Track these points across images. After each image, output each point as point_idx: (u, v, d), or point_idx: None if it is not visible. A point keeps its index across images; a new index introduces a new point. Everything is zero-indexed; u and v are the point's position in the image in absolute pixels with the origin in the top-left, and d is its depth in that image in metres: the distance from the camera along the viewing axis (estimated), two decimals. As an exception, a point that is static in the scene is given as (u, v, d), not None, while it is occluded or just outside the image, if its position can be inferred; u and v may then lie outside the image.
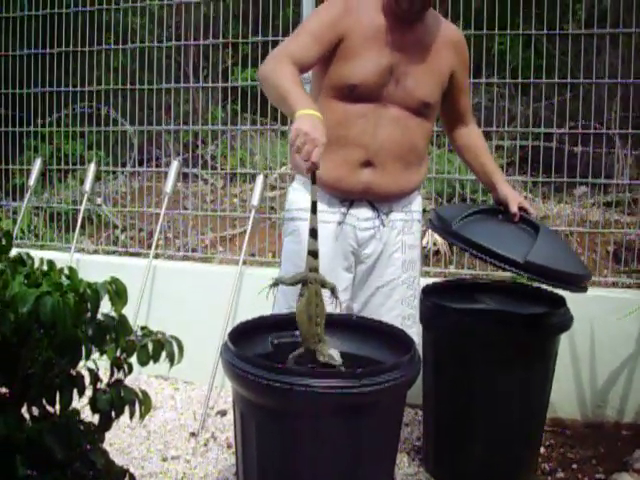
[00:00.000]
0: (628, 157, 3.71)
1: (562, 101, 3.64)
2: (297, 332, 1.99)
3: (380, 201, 2.38)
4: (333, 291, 2.00)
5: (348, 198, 2.36)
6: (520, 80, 3.58)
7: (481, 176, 2.59)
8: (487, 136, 3.68)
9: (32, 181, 4.08)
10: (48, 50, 4.31)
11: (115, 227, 4.54)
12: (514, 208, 2.42)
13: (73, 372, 1.48)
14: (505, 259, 2.26)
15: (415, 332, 2.42)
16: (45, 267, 1.51)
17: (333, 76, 2.27)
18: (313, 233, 1.95)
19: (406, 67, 2.28)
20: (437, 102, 2.40)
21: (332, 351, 1.94)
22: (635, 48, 3.50)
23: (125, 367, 1.53)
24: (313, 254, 1.95)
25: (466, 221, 2.41)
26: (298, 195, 2.40)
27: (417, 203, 2.49)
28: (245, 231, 3.62)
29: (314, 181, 1.92)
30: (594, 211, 3.88)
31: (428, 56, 2.32)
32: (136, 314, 3.43)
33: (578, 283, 2.39)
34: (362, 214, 2.37)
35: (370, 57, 2.25)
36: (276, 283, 2.09)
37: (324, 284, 1.97)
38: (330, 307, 2.00)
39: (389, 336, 2.06)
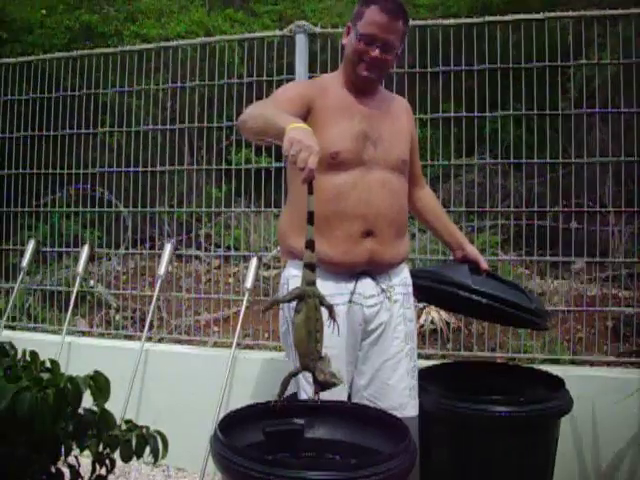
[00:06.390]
0: (622, 233, 3.70)
1: (555, 177, 3.65)
2: (291, 420, 1.93)
3: (380, 272, 2.40)
4: (331, 310, 1.93)
5: (354, 272, 2.35)
6: (512, 160, 3.59)
7: (445, 237, 2.73)
8: (481, 215, 3.70)
9: (25, 263, 4.06)
10: (45, 132, 4.34)
11: (109, 307, 4.49)
12: (485, 265, 2.66)
13: (53, 469, 1.43)
14: (524, 309, 2.52)
15: (417, 404, 2.45)
16: (28, 358, 1.48)
17: None
18: (310, 244, 1.89)
19: (378, 131, 2.38)
20: (408, 160, 2.51)
21: (333, 368, 1.86)
22: (625, 125, 3.51)
23: (107, 463, 1.48)
24: (310, 267, 1.89)
25: (475, 278, 2.56)
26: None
27: (408, 276, 2.53)
28: (240, 311, 3.57)
29: (311, 191, 1.84)
30: (591, 286, 3.85)
31: (392, 119, 2.47)
32: (127, 399, 3.35)
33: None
34: (367, 291, 2.36)
35: (343, 126, 2.35)
36: (273, 303, 2.07)
37: (322, 300, 1.89)
38: (328, 330, 1.92)
39: (383, 423, 2.00)
